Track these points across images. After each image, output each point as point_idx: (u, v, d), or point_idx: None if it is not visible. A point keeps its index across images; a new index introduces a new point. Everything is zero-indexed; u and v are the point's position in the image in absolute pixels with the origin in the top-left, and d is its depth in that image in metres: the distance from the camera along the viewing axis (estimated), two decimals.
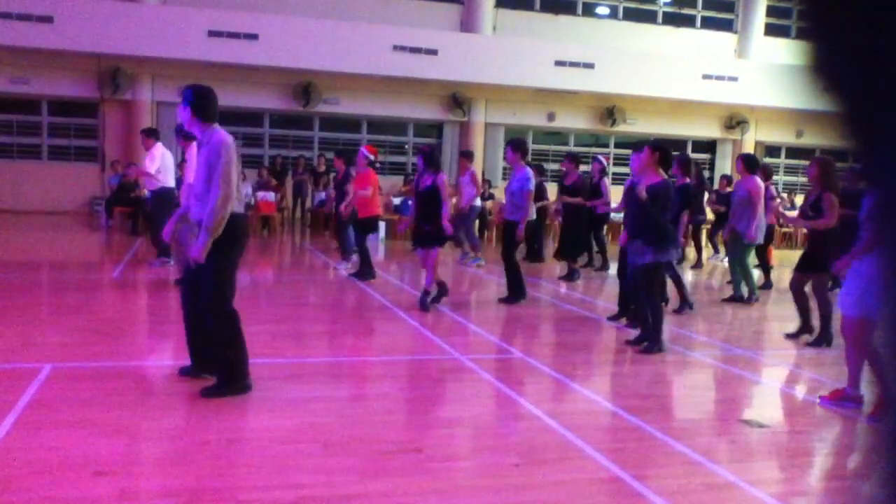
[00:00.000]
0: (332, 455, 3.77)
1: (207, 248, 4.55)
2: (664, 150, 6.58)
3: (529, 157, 19.02)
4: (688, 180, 8.54)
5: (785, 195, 20.20)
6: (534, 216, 9.06)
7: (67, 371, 5.04)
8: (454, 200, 12.83)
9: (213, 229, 4.53)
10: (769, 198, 10.15)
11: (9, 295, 7.72)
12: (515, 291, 8.49)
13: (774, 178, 20.79)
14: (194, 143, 8.81)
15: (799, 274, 7.21)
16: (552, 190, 13.07)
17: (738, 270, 9.31)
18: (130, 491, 3.26)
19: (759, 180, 9.02)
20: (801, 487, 3.89)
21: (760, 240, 9.24)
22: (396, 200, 15.91)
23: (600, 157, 11.44)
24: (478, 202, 12.62)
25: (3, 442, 3.72)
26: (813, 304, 7.21)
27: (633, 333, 6.82)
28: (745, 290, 9.35)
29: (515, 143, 8.48)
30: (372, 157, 9.79)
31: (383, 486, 3.43)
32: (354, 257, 10.32)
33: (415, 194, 8.19)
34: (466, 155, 12.49)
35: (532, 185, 8.40)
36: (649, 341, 6.41)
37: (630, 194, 6.59)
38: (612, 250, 10.90)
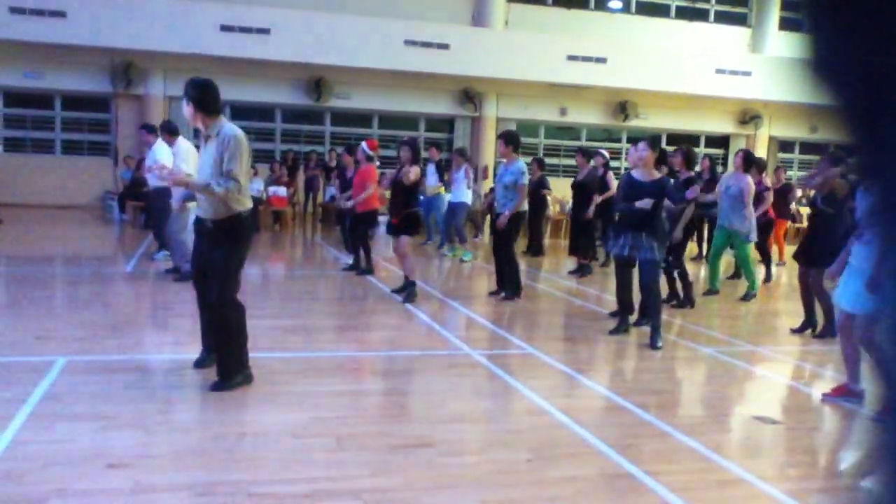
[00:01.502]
0: (344, 449, 3.78)
1: (190, 187, 4.79)
2: (660, 147, 6.91)
3: (541, 152, 19.25)
4: (692, 173, 8.55)
5: (799, 192, 20.05)
6: (525, 208, 9.06)
7: (81, 364, 5.08)
8: (436, 191, 12.93)
9: (209, 192, 4.51)
10: (763, 190, 10.12)
11: (22, 288, 7.78)
12: (514, 287, 8.45)
13: (788, 172, 20.70)
14: (179, 138, 8.85)
15: (804, 268, 7.20)
16: (563, 185, 13.05)
17: (742, 267, 9.33)
18: (144, 484, 3.28)
19: (750, 179, 8.94)
20: (813, 484, 3.87)
21: (754, 237, 9.26)
22: None
23: (602, 150, 11.50)
24: (470, 198, 12.60)
25: (17, 435, 3.74)
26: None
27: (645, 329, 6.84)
28: (716, 285, 9.45)
29: (507, 136, 8.43)
30: (371, 153, 9.76)
31: (394, 481, 3.43)
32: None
33: (392, 184, 8.28)
34: (461, 152, 12.89)
35: (526, 178, 8.38)
36: (653, 336, 6.47)
37: (629, 190, 6.61)
38: None
